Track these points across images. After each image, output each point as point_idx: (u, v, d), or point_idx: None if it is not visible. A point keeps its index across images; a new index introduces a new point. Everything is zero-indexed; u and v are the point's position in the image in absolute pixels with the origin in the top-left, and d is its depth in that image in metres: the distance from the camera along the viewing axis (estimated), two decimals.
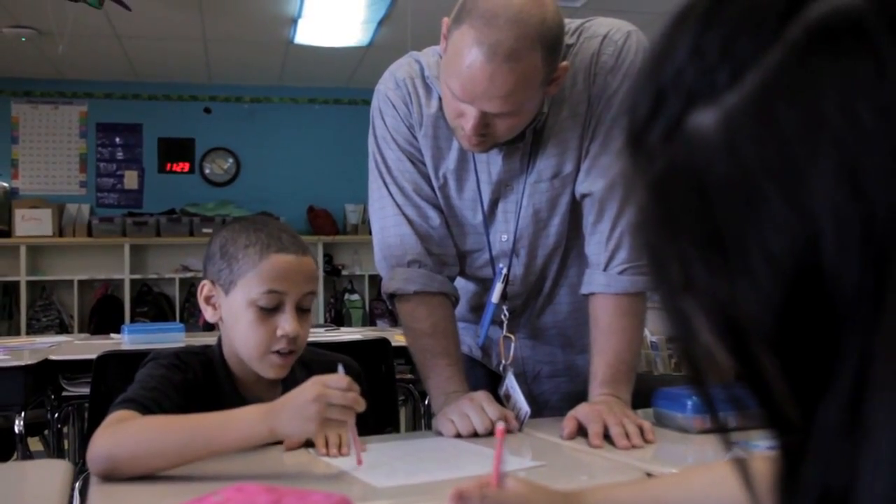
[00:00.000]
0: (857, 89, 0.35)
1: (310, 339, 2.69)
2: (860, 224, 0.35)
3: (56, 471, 1.22)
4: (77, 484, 1.40)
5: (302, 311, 1.32)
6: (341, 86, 6.79)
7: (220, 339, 1.38)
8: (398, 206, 1.58)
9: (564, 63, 1.39)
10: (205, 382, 1.32)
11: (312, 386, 1.11)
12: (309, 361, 1.43)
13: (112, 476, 1.12)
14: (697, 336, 0.42)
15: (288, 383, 1.37)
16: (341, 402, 1.10)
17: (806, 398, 0.38)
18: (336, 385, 1.11)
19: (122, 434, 1.14)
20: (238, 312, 1.30)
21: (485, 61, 1.28)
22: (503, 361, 1.59)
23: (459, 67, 1.31)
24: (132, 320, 6.09)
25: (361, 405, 1.13)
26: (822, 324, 0.37)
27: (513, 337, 1.60)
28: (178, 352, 1.34)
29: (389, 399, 2.79)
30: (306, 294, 1.32)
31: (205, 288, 1.35)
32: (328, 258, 6.85)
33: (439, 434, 1.41)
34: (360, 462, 1.15)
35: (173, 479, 1.10)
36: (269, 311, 1.29)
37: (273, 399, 1.35)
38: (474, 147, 1.44)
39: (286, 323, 1.29)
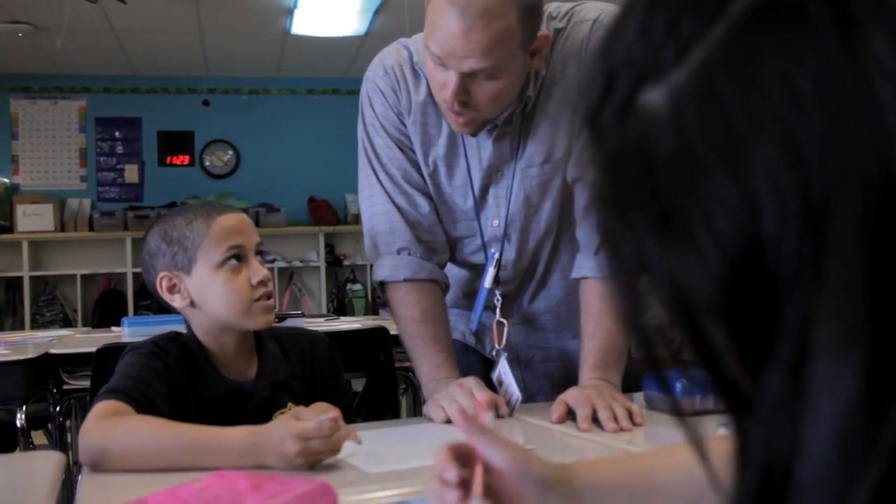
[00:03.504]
0: (795, 61, 0.36)
1: (310, 328, 2.71)
2: (798, 195, 0.36)
3: (49, 462, 1.23)
4: (80, 476, 1.43)
5: (259, 256, 1.40)
6: (339, 76, 6.79)
7: (188, 327, 1.41)
8: (387, 193, 1.58)
9: (545, 32, 1.39)
10: (185, 365, 1.35)
11: (293, 440, 1.10)
12: (280, 335, 1.47)
13: (101, 468, 1.14)
14: (649, 314, 0.42)
15: (263, 357, 1.41)
16: (325, 449, 1.12)
17: (755, 370, 0.39)
18: (317, 435, 1.11)
19: (116, 432, 1.16)
20: (208, 282, 1.34)
21: (459, 18, 1.30)
22: (496, 346, 1.60)
23: (437, 28, 1.33)
24: (135, 313, 6.11)
25: (344, 439, 1.14)
26: (766, 294, 0.37)
27: (506, 322, 1.61)
28: (155, 340, 1.36)
29: (389, 387, 2.80)
30: (258, 243, 1.40)
31: (164, 280, 1.36)
32: (329, 248, 6.86)
33: (430, 420, 1.42)
34: (359, 441, 1.16)
35: (158, 468, 1.12)
36: (235, 268, 1.35)
37: (251, 374, 1.39)
38: (462, 126, 1.44)
39: (256, 271, 1.36)
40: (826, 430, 0.34)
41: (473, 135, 1.50)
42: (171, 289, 1.36)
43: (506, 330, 1.60)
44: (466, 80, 1.35)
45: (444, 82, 1.37)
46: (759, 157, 0.36)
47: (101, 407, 1.20)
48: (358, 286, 6.87)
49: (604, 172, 0.42)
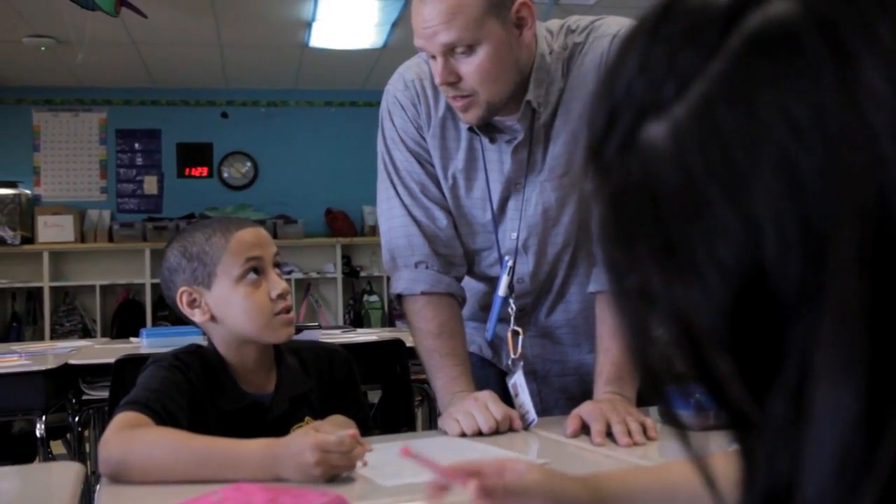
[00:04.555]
0: (792, 92, 0.37)
1: (326, 339, 2.72)
2: (799, 224, 0.36)
3: (68, 472, 1.24)
4: (98, 487, 1.45)
5: (277, 268, 1.42)
6: (357, 88, 6.82)
7: (209, 341, 1.42)
8: (406, 207, 1.60)
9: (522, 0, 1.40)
10: (205, 378, 1.36)
11: (312, 451, 1.10)
12: (299, 349, 1.48)
13: (120, 480, 1.16)
14: (655, 344, 0.43)
15: (282, 371, 1.43)
16: (342, 463, 1.13)
17: (759, 395, 0.39)
18: (337, 449, 1.11)
19: (135, 444, 1.17)
20: (229, 296, 1.36)
21: (419, 1, 1.36)
22: (512, 356, 1.60)
23: (413, 22, 1.39)
24: (154, 324, 6.15)
25: (361, 456, 1.15)
26: (769, 322, 0.38)
27: (521, 331, 1.61)
28: (176, 353, 1.37)
29: (405, 399, 2.81)
30: (275, 254, 1.42)
31: (184, 295, 1.38)
32: (346, 260, 6.88)
33: (445, 433, 1.43)
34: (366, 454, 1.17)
35: (177, 480, 1.13)
36: (255, 282, 1.36)
37: (270, 388, 1.41)
38: (465, 113, 1.45)
39: (275, 283, 1.37)
40: (825, 453, 0.35)
41: (480, 123, 1.49)
42: (192, 304, 1.38)
43: (520, 339, 1.60)
44: (450, 61, 1.38)
45: (436, 70, 1.40)
46: (760, 188, 0.37)
47: (121, 418, 1.21)
48: (374, 298, 6.88)
49: (608, 206, 0.43)
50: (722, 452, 0.44)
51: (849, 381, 0.35)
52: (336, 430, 1.14)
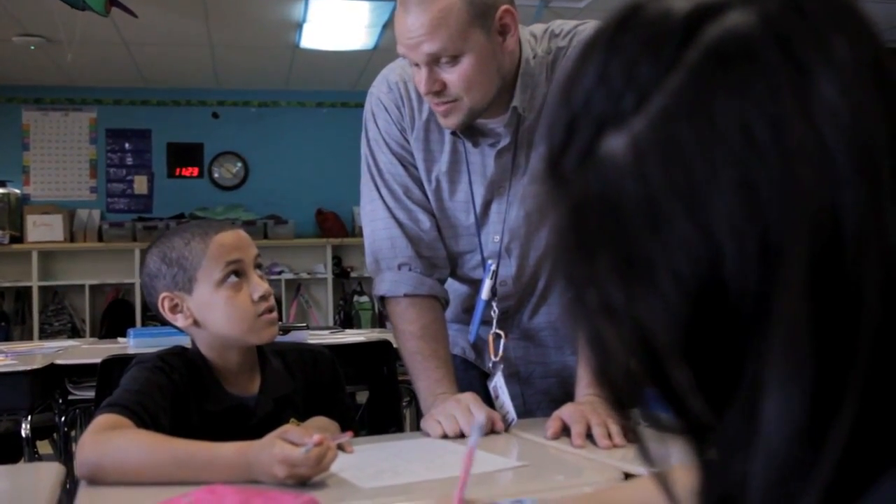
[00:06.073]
0: (749, 106, 0.37)
1: (314, 340, 2.71)
2: (757, 238, 0.36)
3: (48, 473, 1.24)
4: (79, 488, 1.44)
5: (259, 270, 1.41)
6: (348, 89, 6.82)
7: (193, 343, 1.41)
8: (389, 209, 1.60)
9: (506, 7, 1.40)
10: (189, 380, 1.35)
11: (281, 466, 1.09)
12: (283, 350, 1.48)
13: (97, 482, 1.16)
14: (615, 356, 0.43)
15: (267, 373, 1.42)
16: (314, 473, 1.12)
17: (717, 407, 0.40)
18: (304, 463, 1.10)
19: (110, 446, 1.17)
20: (210, 300, 1.35)
21: (403, 10, 1.37)
22: (493, 359, 1.60)
23: (396, 30, 1.39)
24: (143, 324, 6.12)
25: (333, 460, 1.14)
26: (727, 334, 0.38)
27: (503, 334, 1.61)
28: (160, 354, 1.37)
29: (392, 400, 2.81)
30: (256, 256, 1.41)
31: (166, 301, 1.37)
32: (337, 260, 6.88)
33: (427, 435, 1.43)
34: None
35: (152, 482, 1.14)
36: (236, 285, 1.35)
37: (254, 389, 1.40)
38: (446, 118, 1.45)
39: (256, 286, 1.37)
40: (770, 461, 0.36)
41: (460, 128, 1.49)
42: (174, 309, 1.37)
43: (502, 342, 1.60)
44: (434, 70, 1.39)
45: (420, 79, 1.40)
46: (719, 202, 0.37)
47: (100, 421, 1.21)
48: (365, 298, 6.87)
49: (567, 218, 0.43)
50: (685, 466, 0.45)
51: (794, 392, 0.35)
52: (311, 432, 1.13)
